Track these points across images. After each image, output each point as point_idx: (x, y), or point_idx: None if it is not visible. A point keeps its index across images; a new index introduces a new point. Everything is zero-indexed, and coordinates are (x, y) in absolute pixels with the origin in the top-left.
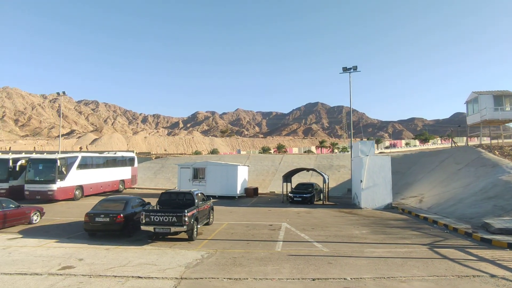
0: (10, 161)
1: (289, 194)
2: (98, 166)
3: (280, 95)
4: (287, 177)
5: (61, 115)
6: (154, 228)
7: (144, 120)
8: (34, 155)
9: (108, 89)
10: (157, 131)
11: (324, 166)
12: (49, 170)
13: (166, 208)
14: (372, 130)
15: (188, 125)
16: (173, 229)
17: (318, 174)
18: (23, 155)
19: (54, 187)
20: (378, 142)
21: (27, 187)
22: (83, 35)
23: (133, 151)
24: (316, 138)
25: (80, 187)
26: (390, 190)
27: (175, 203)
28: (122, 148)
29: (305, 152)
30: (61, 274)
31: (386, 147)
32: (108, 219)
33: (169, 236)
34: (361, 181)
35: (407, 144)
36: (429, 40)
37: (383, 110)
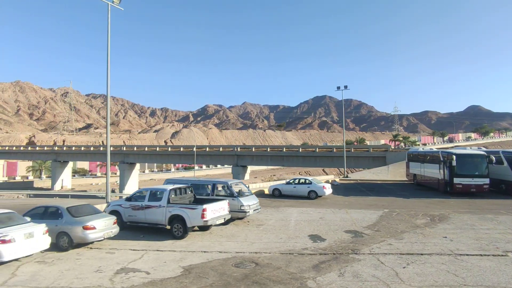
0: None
1: None
2: None
3: (287, 88)
4: None
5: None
6: None
7: (152, 113)
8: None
9: (114, 82)
10: (173, 125)
11: None
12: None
13: None
14: (385, 123)
15: (199, 118)
16: None
17: None
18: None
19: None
20: (443, 135)
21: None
22: (81, 26)
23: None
24: (338, 131)
25: None
26: None
27: None
28: (204, 142)
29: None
30: None
31: (449, 141)
32: None
33: None
34: None
35: (468, 137)
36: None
37: (393, 103)
